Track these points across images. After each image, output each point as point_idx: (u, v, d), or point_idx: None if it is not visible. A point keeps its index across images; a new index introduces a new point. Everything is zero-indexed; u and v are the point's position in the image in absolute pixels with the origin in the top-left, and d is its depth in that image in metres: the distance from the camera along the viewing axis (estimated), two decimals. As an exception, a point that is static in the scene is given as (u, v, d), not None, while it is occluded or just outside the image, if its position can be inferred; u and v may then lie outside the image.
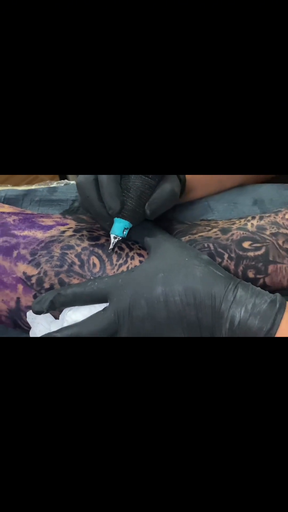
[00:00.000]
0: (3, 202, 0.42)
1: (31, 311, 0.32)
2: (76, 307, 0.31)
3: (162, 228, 0.36)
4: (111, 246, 0.32)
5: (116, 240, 0.32)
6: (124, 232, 0.33)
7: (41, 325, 0.31)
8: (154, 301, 0.29)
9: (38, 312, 0.30)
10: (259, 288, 0.31)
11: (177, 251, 0.32)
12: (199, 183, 0.42)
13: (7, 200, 0.42)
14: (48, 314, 0.32)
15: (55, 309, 0.31)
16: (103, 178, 0.32)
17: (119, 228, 0.32)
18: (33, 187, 0.45)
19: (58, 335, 0.30)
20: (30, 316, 0.32)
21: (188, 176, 0.40)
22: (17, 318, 0.34)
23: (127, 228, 0.33)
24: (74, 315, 0.30)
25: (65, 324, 0.30)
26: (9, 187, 0.45)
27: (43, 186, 0.44)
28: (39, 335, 0.31)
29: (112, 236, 0.32)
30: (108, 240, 0.34)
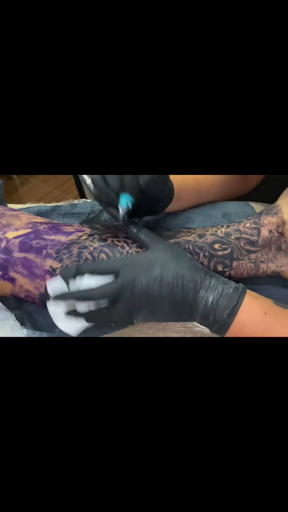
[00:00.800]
0: (36, 215, 0.55)
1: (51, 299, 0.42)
2: (91, 276, 0.41)
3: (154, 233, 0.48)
4: (121, 214, 0.42)
5: (123, 209, 0.42)
6: (128, 204, 0.42)
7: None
8: (152, 279, 0.39)
9: (64, 276, 0.41)
10: (227, 279, 0.41)
11: (170, 249, 0.42)
12: (183, 193, 0.52)
13: (40, 214, 0.55)
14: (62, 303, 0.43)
15: (80, 274, 0.41)
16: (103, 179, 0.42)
17: (123, 200, 0.42)
18: (59, 203, 0.58)
19: (75, 294, 0.40)
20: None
21: (177, 184, 0.50)
22: (45, 300, 0.47)
23: (130, 202, 0.42)
24: (89, 280, 0.40)
25: (81, 288, 0.41)
26: (42, 204, 0.59)
27: (66, 203, 0.57)
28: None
29: (120, 208, 0.42)
30: (113, 241, 0.46)
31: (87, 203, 0.58)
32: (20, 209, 0.57)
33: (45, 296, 0.46)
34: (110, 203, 0.44)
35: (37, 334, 0.46)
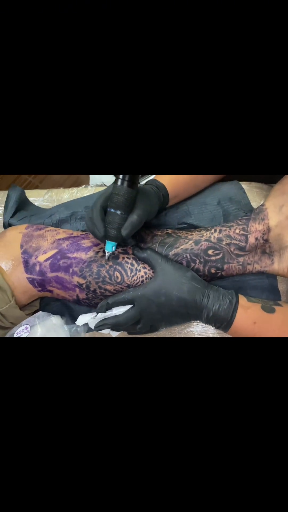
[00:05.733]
0: (57, 224, 0.64)
1: (80, 316, 0.57)
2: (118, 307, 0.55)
3: (153, 236, 0.58)
4: (106, 258, 0.55)
5: (109, 253, 0.53)
6: (113, 248, 0.52)
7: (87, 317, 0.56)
8: (161, 304, 0.52)
9: (98, 311, 0.55)
10: (222, 290, 0.52)
11: (171, 273, 0.52)
12: (181, 190, 0.61)
13: (61, 221, 0.64)
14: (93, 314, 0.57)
15: (109, 309, 0.55)
16: (94, 215, 0.51)
17: (109, 246, 0.53)
18: (74, 210, 0.67)
19: (106, 321, 0.54)
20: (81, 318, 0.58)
21: (172, 186, 0.59)
22: (78, 303, 0.60)
23: (115, 246, 0.52)
24: (117, 310, 0.55)
25: (110, 315, 0.55)
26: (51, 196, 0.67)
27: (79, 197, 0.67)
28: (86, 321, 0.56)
29: (106, 251, 0.53)
30: (124, 258, 0.56)
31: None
32: (42, 208, 0.66)
33: (77, 301, 0.59)
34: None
35: (73, 330, 0.61)
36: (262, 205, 0.56)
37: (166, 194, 0.59)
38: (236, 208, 0.62)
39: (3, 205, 0.70)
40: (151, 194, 0.56)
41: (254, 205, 0.63)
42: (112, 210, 0.51)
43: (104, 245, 0.53)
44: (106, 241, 0.53)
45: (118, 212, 0.50)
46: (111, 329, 0.56)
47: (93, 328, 0.57)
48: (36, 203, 0.73)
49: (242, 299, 0.52)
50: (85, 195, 0.72)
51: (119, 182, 0.49)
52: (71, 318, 0.64)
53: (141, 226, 0.52)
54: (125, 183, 0.49)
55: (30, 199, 0.72)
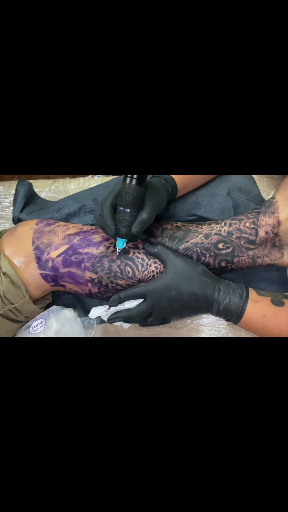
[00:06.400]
0: (67, 218, 0.65)
1: (93, 309, 0.58)
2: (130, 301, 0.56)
3: (162, 229, 0.58)
4: (117, 254, 0.55)
5: (119, 250, 0.54)
6: (124, 245, 0.53)
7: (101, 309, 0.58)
8: (172, 299, 0.53)
9: (111, 305, 0.56)
10: (233, 284, 0.53)
11: (182, 268, 0.53)
12: (190, 181, 0.61)
13: (70, 215, 0.65)
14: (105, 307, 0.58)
15: (121, 302, 0.56)
16: (105, 213, 0.52)
17: (119, 243, 0.53)
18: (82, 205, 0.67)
19: (119, 314, 0.56)
20: (94, 310, 0.59)
21: (180, 177, 0.59)
22: (90, 297, 0.61)
23: (125, 243, 0.53)
24: (129, 304, 0.56)
25: (122, 308, 0.56)
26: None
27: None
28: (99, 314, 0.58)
29: (117, 248, 0.54)
30: (135, 253, 0.57)
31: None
32: (52, 202, 0.67)
33: (89, 295, 0.61)
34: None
35: (86, 322, 0.62)
36: (273, 198, 0.56)
37: (174, 186, 0.58)
38: (246, 199, 0.62)
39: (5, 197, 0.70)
40: (160, 188, 0.56)
41: (265, 195, 0.63)
42: (122, 208, 0.51)
43: (115, 241, 0.54)
44: (117, 238, 0.53)
45: (128, 210, 0.51)
46: (123, 321, 0.57)
47: (106, 320, 0.58)
48: (42, 194, 0.73)
49: (252, 293, 0.52)
50: (92, 185, 0.72)
51: (127, 180, 0.50)
52: (84, 310, 0.66)
53: (151, 223, 0.53)
54: (134, 181, 0.49)
55: (36, 190, 0.72)
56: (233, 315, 0.52)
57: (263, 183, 0.63)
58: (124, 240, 0.53)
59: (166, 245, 0.57)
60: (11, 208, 0.73)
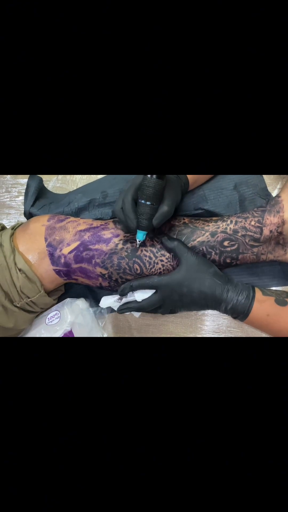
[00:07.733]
0: (77, 212, 0.66)
1: (103, 298, 0.61)
2: (140, 290, 0.59)
3: (170, 226, 0.60)
4: (137, 246, 0.58)
5: (139, 242, 0.57)
6: (144, 237, 0.56)
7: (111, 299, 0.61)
8: (182, 295, 0.56)
9: (122, 294, 0.59)
10: (240, 285, 0.56)
11: (195, 267, 0.55)
12: (199, 176, 0.62)
13: (80, 209, 0.66)
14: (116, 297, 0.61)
15: (132, 291, 0.59)
16: (126, 207, 0.54)
17: (140, 235, 0.56)
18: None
19: (129, 305, 0.59)
20: (104, 299, 0.62)
21: (189, 177, 0.60)
22: (101, 289, 0.65)
23: (145, 235, 0.56)
24: (138, 294, 0.59)
25: (132, 299, 0.60)
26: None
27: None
28: (110, 305, 0.61)
29: (137, 240, 0.57)
30: (142, 251, 0.59)
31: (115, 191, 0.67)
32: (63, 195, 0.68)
33: (100, 288, 0.64)
34: (128, 230, 0.57)
35: (98, 312, 0.66)
36: (278, 196, 0.57)
37: (186, 181, 0.60)
38: (253, 192, 0.63)
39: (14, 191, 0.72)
40: (176, 183, 0.57)
41: (271, 189, 0.63)
42: (143, 201, 0.53)
43: (135, 234, 0.57)
44: (138, 230, 0.56)
45: (149, 203, 0.53)
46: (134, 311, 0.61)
47: (116, 310, 0.62)
48: (50, 184, 0.74)
49: (258, 293, 0.55)
50: (99, 176, 0.73)
51: (149, 174, 0.51)
52: (95, 300, 0.69)
53: (171, 216, 0.55)
54: (154, 175, 0.51)
55: (44, 179, 0.74)
56: (240, 314, 0.55)
57: (269, 176, 0.64)
58: (145, 232, 0.56)
59: None
60: (20, 198, 0.75)
